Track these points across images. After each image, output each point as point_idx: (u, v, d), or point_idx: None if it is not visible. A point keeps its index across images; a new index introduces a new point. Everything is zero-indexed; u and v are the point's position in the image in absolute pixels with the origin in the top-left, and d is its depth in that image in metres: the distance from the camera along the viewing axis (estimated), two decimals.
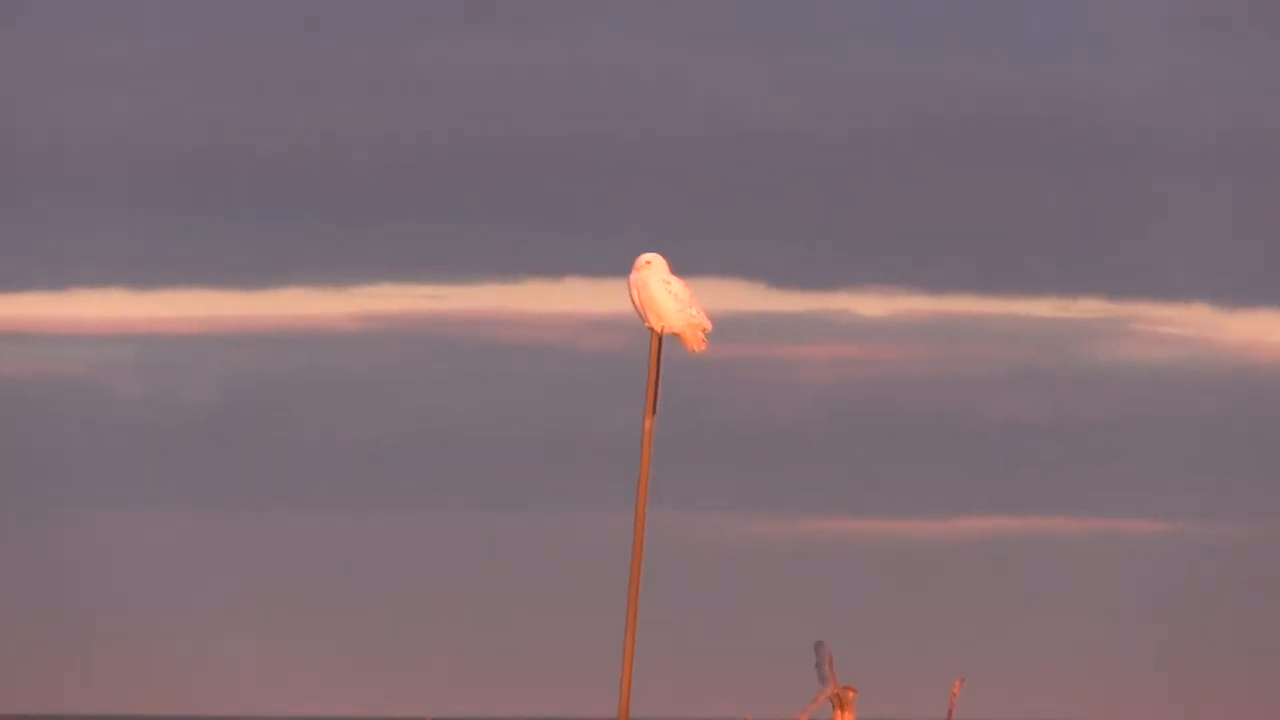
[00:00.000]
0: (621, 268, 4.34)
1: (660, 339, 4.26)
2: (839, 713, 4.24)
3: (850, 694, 4.31)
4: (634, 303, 4.29)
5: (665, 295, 4.25)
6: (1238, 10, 58.15)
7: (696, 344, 4.31)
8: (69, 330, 52.36)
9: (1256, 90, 55.16)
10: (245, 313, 52.55)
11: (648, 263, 4.32)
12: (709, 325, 4.30)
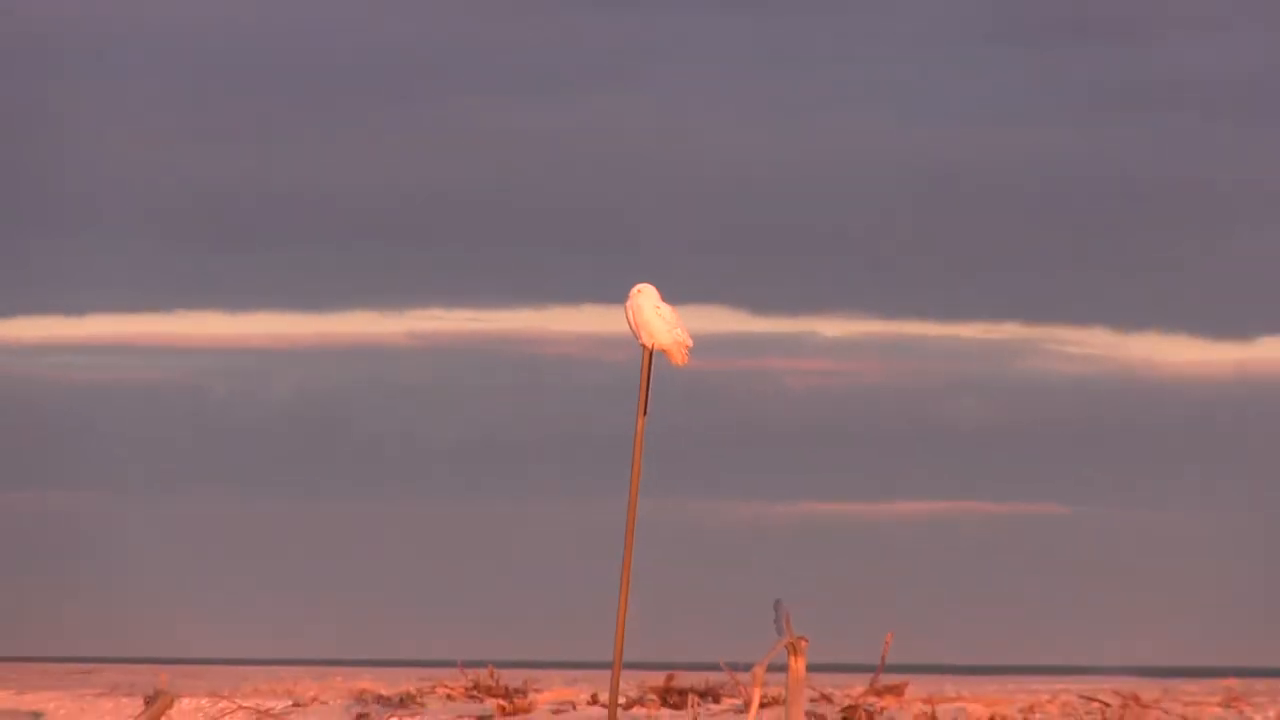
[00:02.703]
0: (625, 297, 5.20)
1: (650, 354, 5.13)
2: (793, 658, 5.21)
3: (803, 643, 5.27)
4: (629, 323, 5.15)
5: (655, 318, 5.12)
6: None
7: (680, 358, 5.18)
8: (175, 345, 67.29)
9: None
10: (317, 330, 65.42)
11: (640, 290, 5.18)
12: (690, 343, 5.18)
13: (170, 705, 5.61)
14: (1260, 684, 22.14)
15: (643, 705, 17.27)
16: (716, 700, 16.86)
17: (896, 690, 15.28)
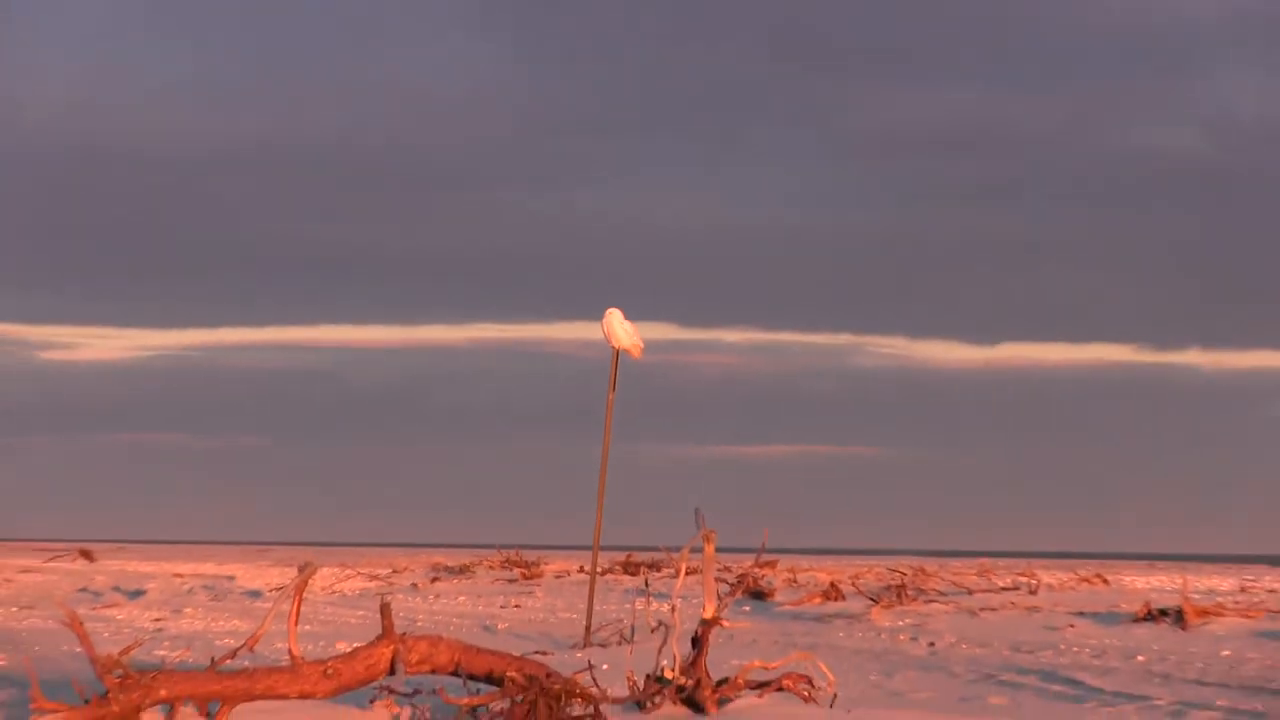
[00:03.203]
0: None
1: (617, 353, 7.72)
2: (706, 544, 7.24)
3: (712, 534, 7.28)
4: (604, 332, 7.82)
5: (620, 329, 7.78)
6: None
7: (637, 355, 7.74)
8: (324, 345, 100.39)
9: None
10: (403, 338, 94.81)
11: (611, 311, 7.90)
12: (642, 345, 7.75)
13: (314, 573, 7.87)
14: (1003, 562, 34.27)
15: (611, 574, 25.78)
16: (659, 570, 25.26)
17: (771, 564, 25.89)
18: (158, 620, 16.66)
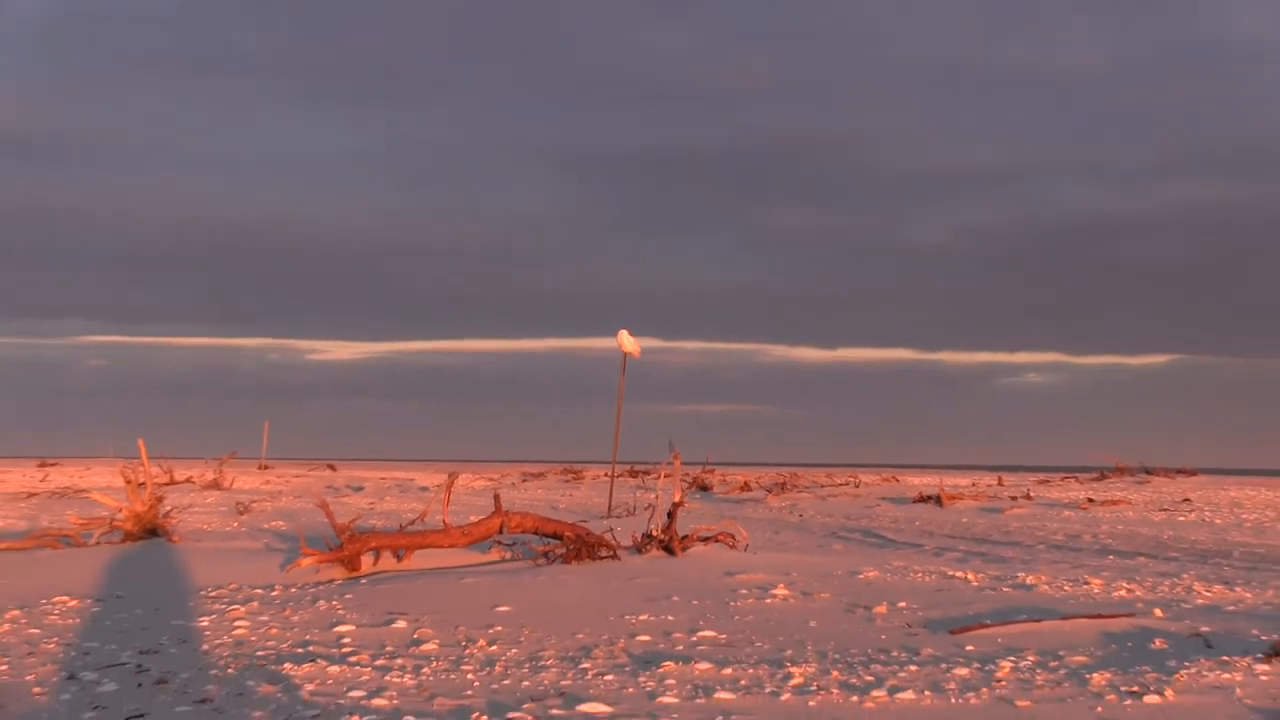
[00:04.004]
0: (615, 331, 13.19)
1: (625, 355, 12.86)
2: (675, 460, 12.34)
3: (678, 454, 12.41)
4: (619, 343, 12.98)
5: (628, 340, 12.93)
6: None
7: (637, 355, 12.88)
8: (460, 351, 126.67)
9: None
10: (510, 347, 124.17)
11: (622, 330, 13.06)
12: (639, 351, 12.90)
13: (457, 477, 12.37)
14: (840, 471, 55.70)
15: (622, 476, 37.63)
16: (649, 474, 37.76)
17: (711, 472, 37.70)
18: (370, 503, 23.82)
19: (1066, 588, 9.61)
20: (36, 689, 6.13)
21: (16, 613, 8.42)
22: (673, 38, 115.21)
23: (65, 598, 9.12)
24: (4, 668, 6.64)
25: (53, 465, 50.30)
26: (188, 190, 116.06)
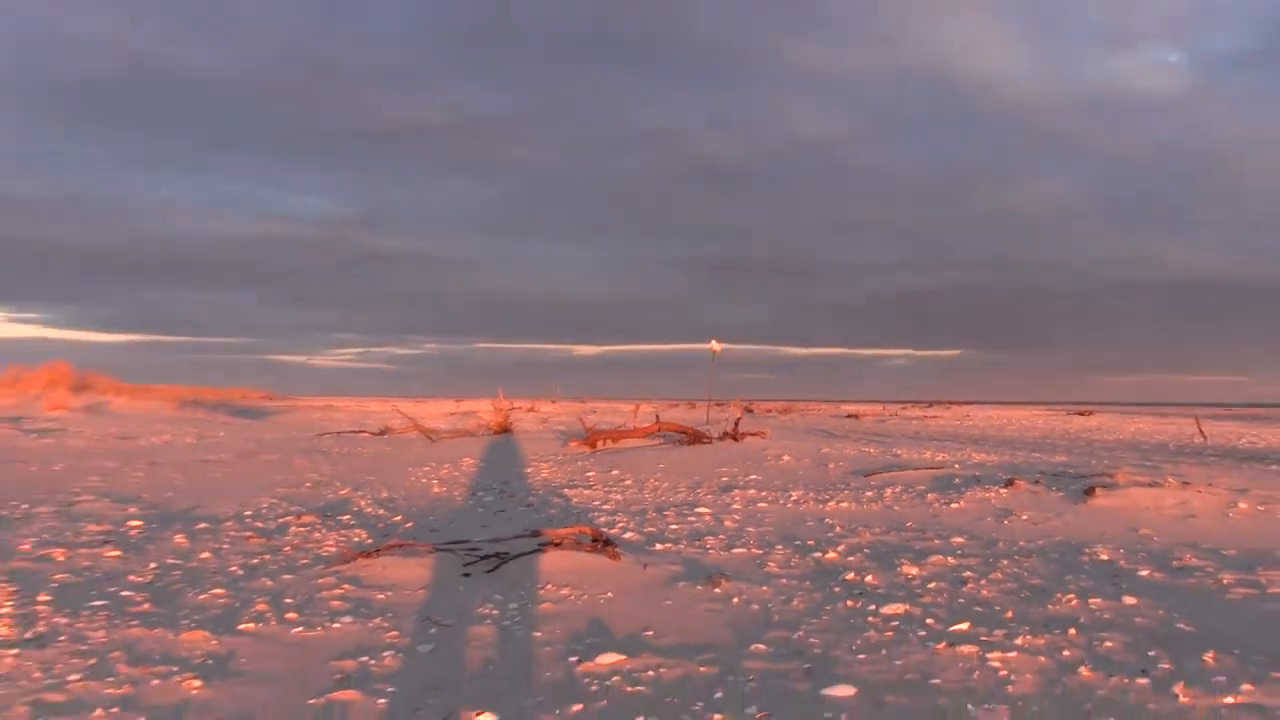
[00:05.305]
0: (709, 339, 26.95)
1: (715, 354, 26.46)
2: (737, 401, 25.74)
3: (740, 400, 25.83)
4: (710, 346, 26.61)
5: (714, 344, 26.57)
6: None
7: (718, 352, 26.48)
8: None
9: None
10: (617, 349, 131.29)
11: (713, 339, 26.74)
12: (720, 349, 26.51)
13: (639, 407, 18.71)
14: (825, 406, 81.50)
15: (712, 407, 45.26)
16: (723, 408, 45.23)
17: (751, 406, 51.09)
18: (599, 418, 36.65)
19: (915, 455, 22.21)
20: (458, 496, 12.20)
21: (449, 466, 19.92)
22: None
23: (468, 458, 21.46)
24: (447, 489, 13.06)
25: (461, 401, 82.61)
26: None
